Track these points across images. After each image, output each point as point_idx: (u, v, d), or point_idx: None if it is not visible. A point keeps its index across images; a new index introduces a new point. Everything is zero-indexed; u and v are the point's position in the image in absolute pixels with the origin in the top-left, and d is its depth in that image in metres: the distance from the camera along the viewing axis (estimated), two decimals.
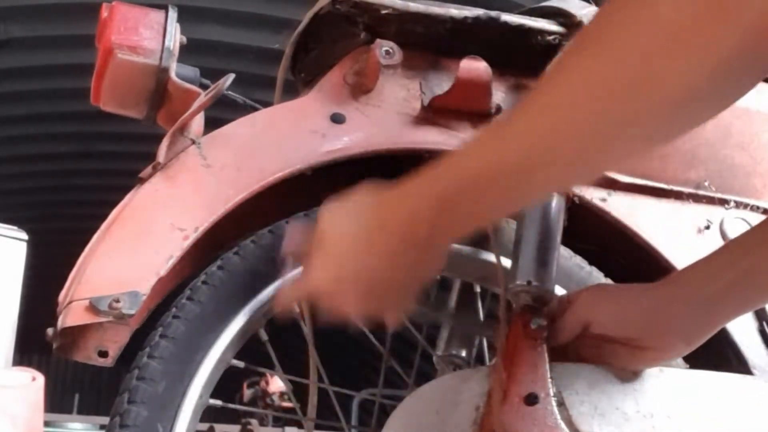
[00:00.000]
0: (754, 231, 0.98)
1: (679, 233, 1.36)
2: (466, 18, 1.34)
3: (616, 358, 0.98)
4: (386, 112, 1.31)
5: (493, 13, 1.35)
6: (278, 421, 6.28)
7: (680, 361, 1.29)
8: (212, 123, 1.25)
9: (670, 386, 1.01)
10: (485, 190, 0.80)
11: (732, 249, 0.98)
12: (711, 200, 1.40)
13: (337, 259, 0.92)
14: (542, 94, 0.79)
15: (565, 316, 0.99)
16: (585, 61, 0.73)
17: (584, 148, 0.74)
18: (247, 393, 7.82)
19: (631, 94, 0.70)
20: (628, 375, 0.99)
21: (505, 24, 1.35)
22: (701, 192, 1.40)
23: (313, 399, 1.49)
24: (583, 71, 0.73)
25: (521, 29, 1.36)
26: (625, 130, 0.72)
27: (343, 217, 0.93)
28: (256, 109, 1.36)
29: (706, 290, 0.94)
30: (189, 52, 1.30)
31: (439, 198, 0.84)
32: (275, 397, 7.49)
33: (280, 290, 1.00)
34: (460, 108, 1.32)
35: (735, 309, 0.98)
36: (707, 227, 1.38)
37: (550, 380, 0.96)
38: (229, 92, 1.29)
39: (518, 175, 0.78)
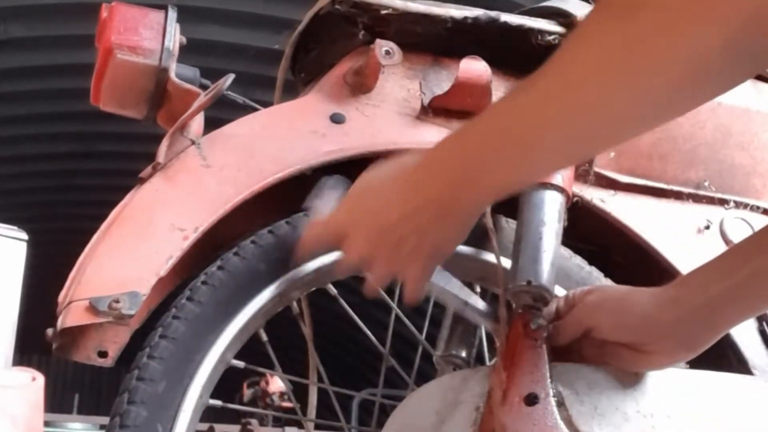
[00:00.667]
0: (757, 236, 0.98)
1: (679, 233, 1.36)
2: (465, 18, 1.34)
3: (618, 360, 0.98)
4: (386, 112, 1.31)
5: (493, 14, 1.35)
6: (278, 421, 6.27)
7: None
8: (212, 123, 1.25)
9: (670, 386, 1.00)
10: (504, 143, 0.82)
11: (734, 254, 0.98)
12: (711, 200, 1.40)
13: (363, 205, 0.94)
14: (555, 67, 0.79)
15: (566, 319, 0.99)
16: (600, 26, 0.74)
17: (599, 108, 0.76)
18: (247, 393, 7.82)
19: (641, 63, 0.71)
20: (629, 376, 0.99)
21: (505, 24, 1.35)
22: (701, 192, 1.40)
23: (312, 399, 1.49)
24: (601, 33, 0.74)
25: (521, 29, 1.36)
26: (643, 94, 0.73)
27: (376, 172, 0.95)
28: (255, 110, 1.36)
29: (707, 295, 0.94)
30: (189, 52, 1.30)
31: (457, 157, 0.86)
32: (275, 397, 7.48)
33: (309, 224, 1.01)
34: (460, 108, 1.32)
35: (737, 315, 0.97)
36: (707, 227, 1.38)
37: (549, 380, 0.96)
38: (229, 92, 1.29)
39: (532, 140, 0.80)
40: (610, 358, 0.98)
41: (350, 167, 1.29)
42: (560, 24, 1.38)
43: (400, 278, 0.96)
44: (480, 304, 1.07)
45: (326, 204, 1.07)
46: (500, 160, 0.83)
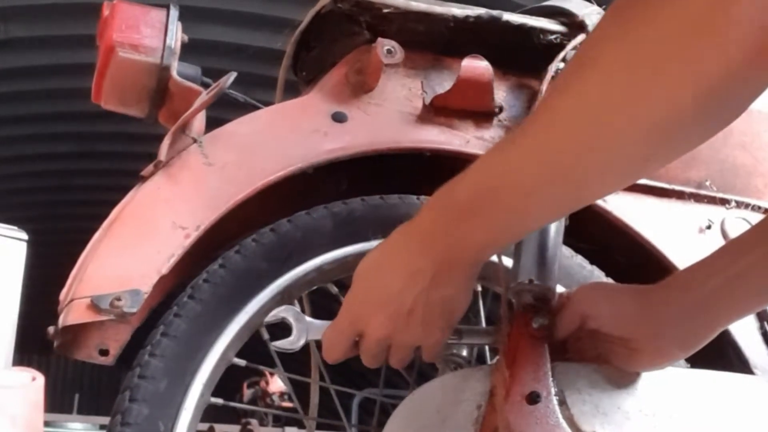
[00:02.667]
0: (750, 232, 0.98)
1: (680, 233, 1.36)
2: (467, 17, 1.34)
3: (614, 358, 0.98)
4: (388, 111, 1.31)
5: (495, 13, 1.35)
6: (278, 421, 6.28)
7: (681, 360, 1.29)
8: (214, 122, 1.25)
9: (671, 386, 1.00)
10: (490, 205, 0.82)
11: (727, 251, 0.98)
12: (712, 200, 1.40)
13: (367, 294, 0.94)
14: (542, 114, 0.80)
15: (562, 311, 0.99)
16: (576, 83, 0.75)
17: (581, 166, 0.76)
18: (248, 393, 7.82)
19: (619, 115, 0.72)
20: (631, 375, 0.99)
21: (507, 23, 1.35)
22: (702, 192, 1.40)
23: (313, 398, 1.49)
24: (575, 92, 0.75)
25: (523, 28, 1.36)
26: (619, 150, 0.74)
27: (370, 259, 0.95)
28: (257, 108, 1.36)
29: (700, 292, 0.94)
30: (190, 51, 1.30)
31: (450, 212, 0.85)
32: (275, 397, 7.48)
33: (325, 334, 1.01)
34: (462, 107, 1.32)
35: (731, 313, 0.97)
36: (708, 227, 1.38)
37: (552, 379, 0.96)
38: (231, 91, 1.29)
39: (520, 191, 0.80)
40: (607, 354, 0.98)
41: (352, 166, 1.29)
42: (562, 23, 1.38)
43: (420, 349, 0.96)
44: (474, 329, 1.08)
45: None
46: (488, 220, 0.84)
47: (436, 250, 0.87)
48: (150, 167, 1.20)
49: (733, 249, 0.97)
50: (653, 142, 0.72)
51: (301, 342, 1.04)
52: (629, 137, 0.72)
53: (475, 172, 0.85)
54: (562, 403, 0.96)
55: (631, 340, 0.96)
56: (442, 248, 0.87)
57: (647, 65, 0.69)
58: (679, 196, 1.39)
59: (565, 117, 0.76)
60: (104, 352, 1.13)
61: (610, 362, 0.99)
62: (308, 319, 1.04)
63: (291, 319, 1.05)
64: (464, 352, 1.30)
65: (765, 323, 1.34)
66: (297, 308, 1.06)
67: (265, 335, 1.22)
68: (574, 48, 1.35)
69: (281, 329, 1.09)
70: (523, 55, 1.37)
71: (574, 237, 1.23)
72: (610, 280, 1.30)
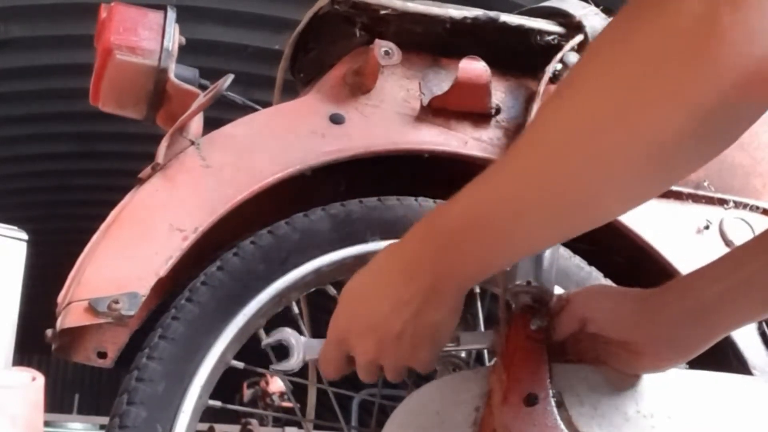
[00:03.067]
0: (755, 241, 0.97)
1: (678, 233, 1.36)
2: (465, 18, 1.34)
3: (613, 360, 0.98)
4: (385, 112, 1.31)
5: (492, 14, 1.35)
6: (278, 421, 6.27)
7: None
8: (211, 123, 1.25)
9: (670, 386, 1.00)
10: (479, 233, 0.82)
11: (730, 258, 0.97)
12: (710, 200, 1.40)
13: (355, 316, 0.93)
14: (529, 138, 0.79)
15: (562, 313, 0.99)
16: (564, 108, 0.74)
17: (570, 193, 0.75)
18: (247, 393, 7.82)
19: (606, 141, 0.71)
20: (629, 376, 0.99)
21: (504, 24, 1.35)
22: (701, 192, 1.40)
23: (312, 399, 1.49)
24: (563, 117, 0.74)
25: (520, 29, 1.36)
26: (607, 177, 0.73)
27: (358, 281, 0.95)
28: (255, 110, 1.36)
29: (701, 299, 0.93)
30: (188, 52, 1.30)
31: (438, 240, 0.85)
32: (275, 397, 7.48)
33: (320, 352, 1.01)
34: (460, 108, 1.32)
35: (731, 320, 0.96)
36: (707, 227, 1.38)
37: (549, 381, 0.96)
38: (228, 93, 1.29)
39: (509, 218, 0.79)
40: (606, 357, 0.98)
41: (350, 168, 1.29)
42: (559, 24, 1.38)
43: (411, 366, 0.97)
44: (472, 333, 1.08)
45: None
46: (477, 248, 0.83)
47: (423, 278, 0.87)
48: (147, 170, 1.20)
49: (737, 256, 0.96)
50: (641, 169, 0.71)
51: (299, 363, 1.05)
52: (617, 164, 0.71)
53: (464, 199, 0.84)
54: (560, 404, 0.96)
55: (631, 344, 0.95)
56: (430, 277, 0.86)
57: (635, 91, 0.68)
58: (677, 196, 1.39)
59: (551, 141, 0.75)
60: (102, 355, 1.13)
61: (609, 365, 0.98)
62: (305, 339, 1.04)
63: (290, 341, 1.05)
64: (463, 354, 1.30)
65: (764, 325, 1.34)
66: (293, 331, 1.05)
67: (264, 337, 1.22)
68: (572, 49, 1.35)
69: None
70: (520, 56, 1.37)
71: (572, 238, 1.22)
72: (608, 281, 1.30)
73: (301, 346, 1.04)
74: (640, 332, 0.94)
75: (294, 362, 1.04)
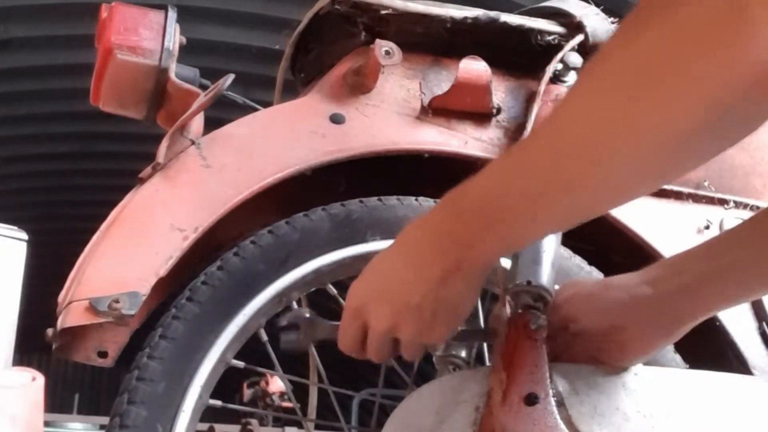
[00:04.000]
0: (744, 225, 0.98)
1: (678, 233, 1.36)
2: (465, 18, 1.34)
3: (604, 355, 0.98)
4: (386, 112, 1.31)
5: (493, 14, 1.35)
6: (278, 421, 6.27)
7: (680, 361, 1.29)
8: (212, 123, 1.25)
9: (670, 386, 1.00)
10: (502, 210, 0.82)
11: (718, 242, 0.98)
12: (711, 200, 1.40)
13: (377, 289, 0.93)
14: (551, 121, 0.80)
15: (549, 317, 0.99)
16: (591, 89, 0.74)
17: (588, 176, 0.76)
18: (247, 393, 7.81)
19: (624, 128, 0.71)
20: (629, 376, 0.99)
21: (505, 24, 1.35)
22: (701, 192, 1.40)
23: (313, 399, 1.49)
24: (588, 98, 0.74)
25: (521, 29, 1.36)
26: (624, 163, 0.73)
27: (382, 257, 0.95)
28: (255, 110, 1.36)
29: (685, 278, 0.94)
30: (188, 52, 1.30)
31: (460, 217, 0.85)
32: (275, 397, 7.48)
33: (340, 325, 1.00)
34: (460, 108, 1.32)
35: (715, 300, 0.96)
36: (707, 227, 1.38)
37: (549, 380, 0.96)
38: (229, 92, 1.29)
39: (532, 197, 0.79)
40: (598, 353, 0.98)
41: (350, 168, 1.29)
42: (560, 24, 1.38)
43: (425, 341, 0.97)
44: (474, 326, 1.07)
45: None
46: (497, 227, 0.83)
47: (446, 254, 0.87)
48: (148, 169, 1.20)
49: (724, 241, 0.97)
50: (658, 156, 0.72)
51: (308, 342, 1.04)
52: (634, 151, 0.72)
53: (485, 178, 0.84)
54: (560, 404, 0.96)
55: (617, 332, 0.96)
56: (452, 253, 0.87)
57: (658, 77, 0.67)
58: (678, 196, 1.39)
59: (571, 126, 0.75)
60: (103, 354, 1.13)
61: (602, 362, 0.99)
62: (319, 319, 1.03)
63: (301, 316, 1.03)
64: (463, 354, 1.30)
65: (764, 324, 1.34)
66: (308, 309, 1.05)
67: (264, 337, 1.22)
68: (572, 49, 1.36)
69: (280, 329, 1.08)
70: (521, 56, 1.37)
71: (572, 238, 1.23)
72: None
73: (313, 323, 1.03)
74: (624, 315, 0.95)
75: (303, 338, 1.03)
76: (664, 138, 0.70)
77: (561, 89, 1.36)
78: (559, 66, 1.35)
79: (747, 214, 1.40)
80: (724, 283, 0.93)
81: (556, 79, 1.36)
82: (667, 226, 1.36)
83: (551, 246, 1.06)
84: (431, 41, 1.34)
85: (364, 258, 1.17)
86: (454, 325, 0.96)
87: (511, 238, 0.85)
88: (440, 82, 1.34)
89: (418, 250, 0.90)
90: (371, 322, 0.94)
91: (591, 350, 0.98)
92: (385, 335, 0.94)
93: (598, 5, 1.42)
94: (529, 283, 1.01)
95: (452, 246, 0.87)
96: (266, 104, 1.41)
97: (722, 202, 1.40)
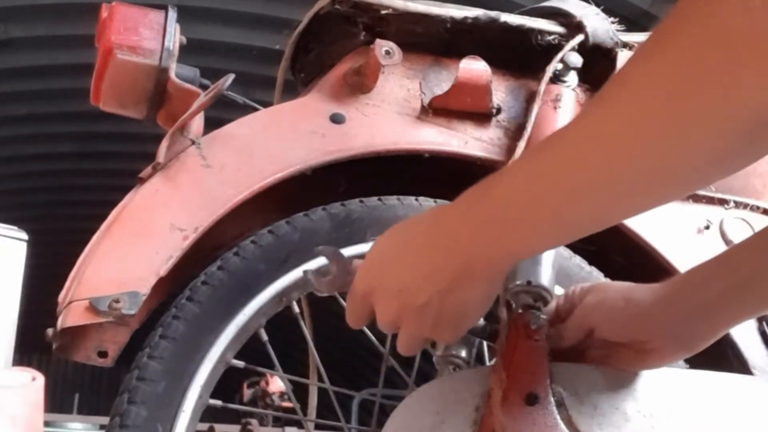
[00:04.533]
0: (758, 236, 0.97)
1: (678, 233, 1.36)
2: (465, 18, 1.34)
3: (620, 361, 0.97)
4: (386, 112, 1.31)
5: (493, 14, 1.35)
6: (278, 421, 6.27)
7: (680, 361, 1.29)
8: (212, 123, 1.25)
9: (670, 386, 1.00)
10: (527, 209, 0.77)
11: (735, 253, 0.97)
12: (711, 200, 1.40)
13: (383, 274, 0.90)
14: (600, 106, 0.73)
15: (567, 323, 0.98)
16: (650, 69, 0.68)
17: (627, 175, 0.71)
18: (247, 393, 7.82)
19: (665, 133, 0.67)
20: (629, 376, 0.99)
21: (505, 24, 1.35)
22: (701, 192, 1.40)
23: (313, 399, 1.49)
24: (647, 78, 0.68)
25: (521, 29, 1.36)
26: (663, 168, 0.69)
27: (390, 237, 0.91)
28: (256, 110, 1.36)
29: (706, 294, 0.92)
30: (188, 52, 1.30)
31: (481, 215, 0.81)
32: (275, 397, 7.48)
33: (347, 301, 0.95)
34: (460, 108, 1.32)
35: (736, 315, 0.95)
36: (707, 227, 1.38)
37: (549, 380, 0.96)
38: (229, 92, 1.29)
39: (564, 198, 0.75)
40: (613, 360, 0.98)
41: (350, 167, 1.29)
42: (560, 24, 1.38)
43: (427, 340, 0.94)
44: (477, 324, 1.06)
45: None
46: (522, 227, 0.78)
47: (460, 253, 0.83)
48: (148, 169, 1.20)
49: (741, 252, 0.95)
50: (726, 144, 0.66)
51: (344, 279, 0.98)
52: (673, 159, 0.67)
53: (513, 176, 0.79)
54: (560, 404, 0.96)
55: (638, 343, 0.95)
56: (468, 252, 0.82)
57: (731, 56, 0.62)
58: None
59: (631, 104, 0.69)
60: (103, 354, 1.13)
61: (613, 365, 0.98)
62: (348, 259, 0.98)
63: (330, 260, 0.99)
64: (463, 354, 1.30)
65: (764, 324, 1.34)
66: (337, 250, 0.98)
67: (264, 337, 1.22)
68: (572, 49, 1.36)
69: (280, 329, 1.08)
70: (521, 56, 1.37)
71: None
72: (608, 281, 1.30)
73: (342, 263, 0.98)
74: (647, 330, 0.94)
75: (332, 280, 0.98)
76: (735, 123, 0.64)
77: (561, 89, 1.36)
78: (559, 66, 1.35)
79: (747, 214, 1.40)
80: (742, 297, 0.91)
81: (556, 78, 1.36)
82: (667, 226, 1.36)
83: None
84: (431, 41, 1.34)
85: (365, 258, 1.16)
86: (459, 332, 0.93)
87: (532, 241, 0.81)
88: (440, 82, 1.34)
89: (431, 250, 0.86)
90: (377, 310, 0.91)
91: (609, 357, 0.97)
92: (389, 327, 0.92)
93: (598, 5, 1.42)
94: (529, 283, 1.01)
95: (466, 246, 0.82)
96: (266, 104, 1.41)
97: (722, 202, 1.40)
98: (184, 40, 1.27)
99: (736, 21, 0.60)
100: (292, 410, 6.21)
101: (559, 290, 1.14)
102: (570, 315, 0.98)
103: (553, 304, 1.01)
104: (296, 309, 1.25)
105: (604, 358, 0.98)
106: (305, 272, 1.01)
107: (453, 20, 1.33)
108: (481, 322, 1.02)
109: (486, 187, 0.81)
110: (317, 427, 1.68)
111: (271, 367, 1.30)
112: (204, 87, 1.27)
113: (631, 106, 0.69)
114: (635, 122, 0.68)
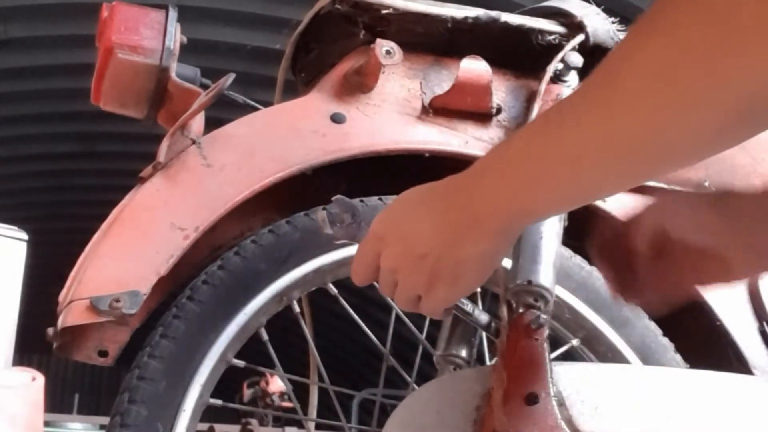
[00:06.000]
0: None
1: None
2: (466, 18, 1.34)
3: (705, 273, 0.92)
4: (387, 111, 1.31)
5: (494, 13, 1.35)
6: (278, 421, 6.27)
7: (680, 361, 1.29)
8: (213, 123, 1.25)
9: (670, 386, 1.00)
10: (535, 170, 0.78)
11: None
12: None
13: (400, 212, 0.91)
14: (605, 79, 0.74)
15: (639, 224, 0.94)
16: (654, 40, 0.68)
17: (642, 134, 0.71)
18: (247, 393, 7.82)
19: (696, 85, 0.66)
20: (630, 375, 0.99)
21: (506, 24, 1.35)
22: (701, 192, 1.40)
23: (313, 399, 1.49)
24: (650, 50, 0.68)
25: (521, 29, 1.36)
26: (689, 125, 0.68)
27: (418, 188, 0.91)
28: (256, 109, 1.36)
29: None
30: (189, 51, 1.30)
31: (492, 171, 0.82)
32: (275, 397, 7.48)
33: (357, 250, 0.95)
34: (461, 108, 1.32)
35: None
36: None
37: (550, 380, 0.96)
38: (230, 92, 1.29)
39: (570, 160, 0.75)
40: (697, 269, 0.92)
41: (351, 167, 1.29)
42: (560, 24, 1.38)
43: (423, 299, 0.92)
44: (483, 317, 1.06)
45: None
46: (527, 186, 0.79)
47: (472, 207, 0.83)
48: (149, 169, 1.20)
49: None
50: (726, 118, 0.66)
51: (349, 234, 0.99)
52: (701, 109, 0.66)
53: (525, 139, 0.80)
54: (561, 403, 0.96)
55: (721, 248, 0.89)
56: (480, 207, 0.83)
57: (734, 34, 0.61)
58: None
59: (627, 89, 0.70)
60: (103, 354, 1.13)
61: (701, 280, 0.94)
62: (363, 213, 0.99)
63: (346, 210, 0.99)
64: (463, 353, 1.30)
65: (764, 323, 1.34)
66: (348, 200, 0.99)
67: (264, 336, 1.22)
68: (573, 48, 1.36)
69: (281, 329, 1.08)
70: (521, 56, 1.37)
71: (573, 237, 1.23)
72: None
73: (357, 214, 0.99)
74: (730, 235, 0.89)
75: (353, 231, 0.99)
76: (737, 99, 0.64)
77: (561, 89, 1.36)
78: (560, 66, 1.35)
79: None
80: None
81: (557, 78, 1.36)
82: None
83: (552, 246, 1.06)
84: (432, 41, 1.34)
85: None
86: (453, 292, 0.91)
87: (539, 202, 0.81)
88: (441, 82, 1.34)
89: (445, 201, 0.86)
90: (381, 256, 0.91)
91: (691, 266, 0.92)
92: (389, 274, 0.91)
93: (598, 5, 1.42)
94: (529, 282, 1.01)
95: (471, 202, 0.83)
96: (267, 104, 1.40)
97: None
98: (185, 39, 1.27)
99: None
100: (292, 410, 6.21)
101: (559, 290, 1.14)
102: (641, 218, 0.95)
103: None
104: (296, 309, 1.25)
105: (689, 272, 0.93)
106: (320, 212, 1.00)
107: (453, 20, 1.33)
108: (487, 317, 1.02)
109: (499, 150, 0.83)
110: (317, 426, 1.68)
111: (271, 367, 1.30)
112: (204, 87, 1.27)
113: (633, 78, 0.70)
114: (638, 94, 0.69)
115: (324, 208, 1.22)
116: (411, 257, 0.88)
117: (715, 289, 0.93)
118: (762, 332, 1.34)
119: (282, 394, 7.39)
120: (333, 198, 1.00)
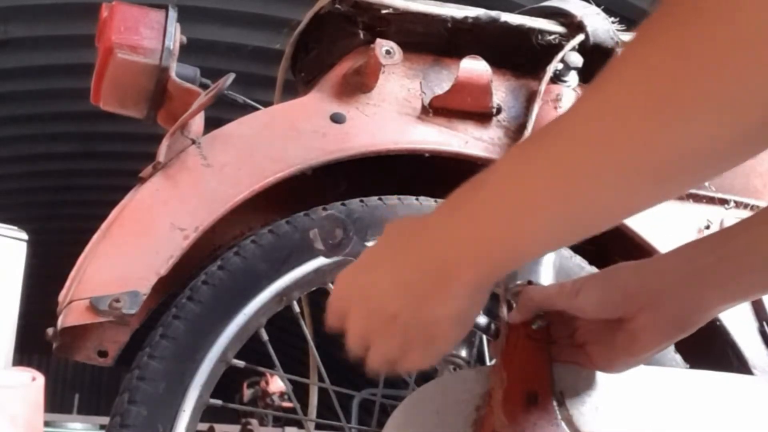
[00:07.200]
0: (756, 214, 0.95)
1: (679, 233, 1.36)
2: (466, 18, 1.34)
3: (609, 348, 0.92)
4: (386, 111, 1.31)
5: (494, 13, 1.35)
6: (278, 421, 6.27)
7: (680, 361, 1.29)
8: (212, 123, 1.25)
9: (671, 386, 1.00)
10: (506, 217, 0.72)
11: (725, 231, 0.93)
12: (711, 200, 1.40)
13: (356, 273, 0.84)
14: (562, 124, 0.70)
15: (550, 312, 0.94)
16: (598, 99, 0.66)
17: (592, 190, 0.69)
18: (247, 393, 7.82)
19: (635, 148, 0.64)
20: (630, 375, 0.99)
21: (505, 24, 1.35)
22: (701, 192, 1.40)
23: (313, 399, 1.49)
24: (595, 109, 0.66)
25: (521, 29, 1.36)
26: (630, 184, 0.67)
27: (387, 230, 0.84)
28: (256, 109, 1.36)
29: (693, 266, 0.86)
30: (189, 52, 1.30)
31: (454, 220, 0.76)
32: (275, 397, 7.48)
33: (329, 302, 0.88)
34: (461, 108, 1.32)
35: (726, 292, 0.88)
36: (707, 227, 1.38)
37: (550, 380, 0.96)
38: (229, 92, 1.29)
39: (542, 203, 0.70)
40: (603, 347, 0.93)
41: (351, 167, 1.29)
42: (560, 24, 1.38)
43: (400, 363, 0.85)
44: (482, 320, 1.05)
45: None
46: (505, 231, 0.72)
47: (438, 257, 0.76)
48: (149, 168, 1.20)
49: (736, 226, 0.92)
50: (667, 176, 0.66)
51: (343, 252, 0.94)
52: (675, 152, 0.64)
53: (501, 173, 0.74)
54: (561, 403, 0.96)
55: (624, 319, 0.89)
56: (446, 256, 0.75)
57: (674, 103, 0.61)
58: (678, 196, 1.39)
59: (580, 133, 0.67)
60: (103, 354, 1.13)
61: (612, 354, 0.96)
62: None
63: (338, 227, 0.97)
64: (463, 354, 1.30)
65: (764, 323, 1.34)
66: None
67: (264, 336, 1.22)
68: (573, 48, 1.36)
69: (280, 329, 1.08)
70: (521, 56, 1.37)
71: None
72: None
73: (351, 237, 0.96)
74: (633, 303, 0.88)
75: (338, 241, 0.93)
76: (675, 160, 0.64)
77: (561, 89, 1.36)
78: (560, 66, 1.35)
79: (747, 214, 1.40)
80: (736, 270, 0.86)
81: (557, 78, 1.36)
82: (667, 226, 1.36)
83: None
84: (432, 41, 1.34)
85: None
86: (430, 356, 0.85)
87: (518, 246, 0.74)
88: (441, 82, 1.34)
89: (402, 251, 0.79)
90: (347, 325, 0.84)
91: (599, 343, 0.92)
92: (356, 338, 0.84)
93: (598, 5, 1.42)
94: (529, 282, 1.01)
95: (440, 252, 0.76)
96: (266, 104, 1.40)
97: (723, 201, 1.40)
98: (185, 39, 1.27)
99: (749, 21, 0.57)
100: (292, 410, 6.21)
101: None
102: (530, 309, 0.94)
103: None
104: (296, 309, 1.25)
105: (594, 345, 0.94)
106: (312, 232, 0.98)
107: (453, 20, 1.33)
108: (485, 319, 1.02)
109: (471, 187, 0.75)
110: (317, 426, 1.68)
111: (271, 367, 1.30)
112: (204, 86, 1.27)
113: (629, 93, 0.65)
114: (635, 108, 0.64)
115: (324, 208, 1.22)
116: (379, 319, 0.81)
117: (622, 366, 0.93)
118: (762, 332, 1.34)
119: (282, 394, 7.39)
120: (324, 214, 0.98)
